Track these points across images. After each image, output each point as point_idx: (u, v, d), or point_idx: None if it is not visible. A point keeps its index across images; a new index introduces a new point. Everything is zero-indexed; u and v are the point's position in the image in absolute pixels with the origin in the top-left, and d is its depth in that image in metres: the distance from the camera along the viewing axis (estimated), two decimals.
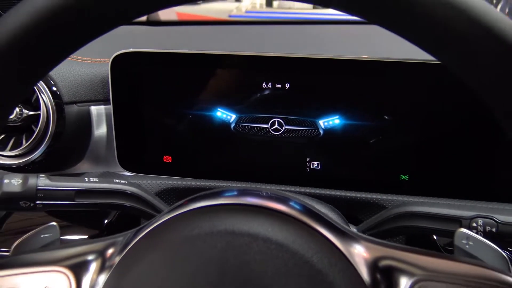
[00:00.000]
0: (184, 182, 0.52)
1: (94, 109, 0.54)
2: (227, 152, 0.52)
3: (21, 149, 0.49)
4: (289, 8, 1.49)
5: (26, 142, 0.49)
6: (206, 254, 0.25)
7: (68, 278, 0.28)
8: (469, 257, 0.31)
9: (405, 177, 0.50)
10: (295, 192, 0.51)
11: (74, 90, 0.52)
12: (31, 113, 0.49)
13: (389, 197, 0.49)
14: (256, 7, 1.75)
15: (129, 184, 0.44)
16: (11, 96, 0.24)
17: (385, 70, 0.46)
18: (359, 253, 0.27)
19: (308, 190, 0.51)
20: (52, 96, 0.49)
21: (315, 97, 0.49)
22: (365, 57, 0.46)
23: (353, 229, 0.46)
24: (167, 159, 0.53)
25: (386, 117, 0.48)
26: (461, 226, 0.35)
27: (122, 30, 0.46)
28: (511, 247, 0.47)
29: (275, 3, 1.82)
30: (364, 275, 0.26)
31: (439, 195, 0.48)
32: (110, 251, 0.29)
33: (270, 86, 0.49)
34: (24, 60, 0.22)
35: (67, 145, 0.52)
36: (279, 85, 0.49)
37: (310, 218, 0.28)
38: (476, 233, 0.35)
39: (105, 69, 0.52)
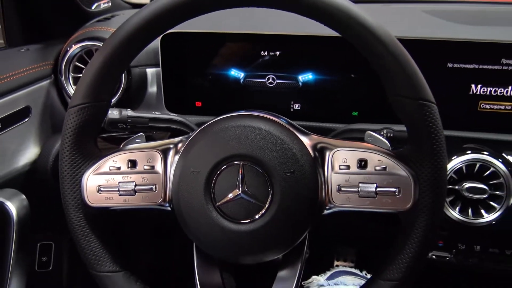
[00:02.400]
0: (208, 118, 0.79)
1: (149, 71, 0.80)
2: (238, 99, 0.78)
3: None
4: None
5: None
6: (232, 134, 0.52)
7: (160, 155, 0.54)
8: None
9: (356, 113, 0.76)
10: None
11: (136, 58, 0.78)
12: None
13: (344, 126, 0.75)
14: None
15: (177, 116, 0.71)
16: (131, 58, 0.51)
17: (337, 43, 0.71)
18: (307, 141, 0.53)
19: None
20: None
21: (296, 61, 0.75)
22: (326, 33, 0.72)
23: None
24: (198, 104, 0.80)
25: (342, 74, 0.74)
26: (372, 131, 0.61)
27: None
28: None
29: None
30: (311, 152, 0.53)
31: (373, 122, 0.73)
32: (180, 144, 0.55)
33: (266, 53, 0.75)
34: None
35: (132, 95, 0.79)
36: (272, 53, 0.75)
37: (285, 124, 0.54)
38: (381, 135, 0.62)
39: (157, 43, 0.78)
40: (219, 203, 0.51)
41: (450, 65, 0.71)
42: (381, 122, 0.66)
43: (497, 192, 0.65)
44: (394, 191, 0.50)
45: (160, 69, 0.78)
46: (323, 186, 0.52)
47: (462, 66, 0.70)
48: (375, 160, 0.51)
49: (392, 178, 0.50)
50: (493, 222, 0.65)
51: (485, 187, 0.65)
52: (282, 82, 0.76)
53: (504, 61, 0.69)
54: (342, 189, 0.52)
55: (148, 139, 0.58)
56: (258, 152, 0.51)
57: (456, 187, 0.66)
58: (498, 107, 0.71)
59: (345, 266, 1.21)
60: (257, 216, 0.50)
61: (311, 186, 0.51)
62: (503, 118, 0.71)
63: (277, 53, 0.75)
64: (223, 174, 0.51)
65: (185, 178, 0.52)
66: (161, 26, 0.50)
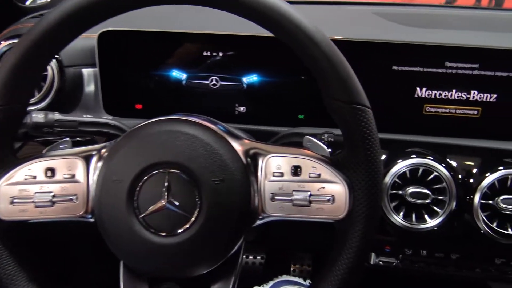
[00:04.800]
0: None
1: (85, 71, 0.75)
2: (180, 101, 0.75)
3: (35, 99, 0.70)
4: None
5: (38, 93, 0.70)
6: (158, 140, 0.48)
7: (82, 162, 0.50)
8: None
9: (302, 116, 0.74)
10: None
11: (70, 57, 0.73)
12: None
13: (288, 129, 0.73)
14: None
15: (113, 119, 0.67)
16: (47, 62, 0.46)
17: (282, 43, 0.68)
18: (238, 147, 0.50)
19: (236, 125, 0.74)
20: (56, 62, 0.71)
21: (240, 62, 0.72)
22: (271, 34, 0.69)
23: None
24: (139, 106, 0.76)
25: (287, 76, 0.72)
26: (313, 136, 0.58)
27: None
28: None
29: None
30: (242, 158, 0.50)
31: (320, 125, 0.71)
32: (104, 150, 0.52)
33: (209, 54, 0.72)
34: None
35: (66, 97, 0.74)
36: (215, 54, 0.72)
37: (216, 129, 0.51)
38: (321, 141, 0.59)
39: (93, 41, 0.73)
40: (143, 215, 0.47)
41: (395, 67, 0.69)
42: (328, 126, 0.64)
43: (440, 197, 0.64)
44: (328, 199, 0.48)
45: (97, 69, 0.73)
46: (255, 195, 0.49)
47: (407, 69, 0.69)
48: (309, 166, 0.49)
49: (326, 186, 0.48)
50: (435, 228, 0.64)
51: (428, 192, 0.63)
52: (226, 84, 0.73)
53: (448, 64, 0.68)
54: (276, 197, 0.49)
55: (77, 144, 0.54)
56: (185, 159, 0.47)
57: (400, 192, 0.65)
58: (443, 110, 0.71)
59: (301, 270, 1.19)
60: (183, 228, 0.47)
61: (242, 195, 0.48)
62: (448, 122, 0.71)
63: (221, 53, 0.72)
64: (148, 183, 0.47)
65: (106, 188, 0.48)
66: (82, 22, 0.47)
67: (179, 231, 0.47)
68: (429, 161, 0.65)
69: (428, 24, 0.85)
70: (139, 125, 0.51)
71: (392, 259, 0.73)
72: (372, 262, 0.73)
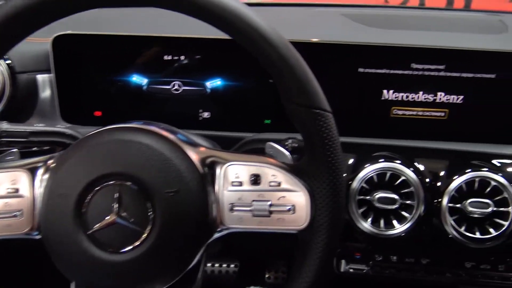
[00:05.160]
0: None
1: (40, 77, 0.72)
2: (141, 107, 0.72)
3: None
4: None
5: None
6: (108, 150, 0.45)
7: (27, 175, 0.47)
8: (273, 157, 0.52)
9: (269, 121, 0.72)
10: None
11: (23, 63, 0.69)
12: None
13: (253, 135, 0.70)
14: None
15: (67, 128, 0.63)
16: None
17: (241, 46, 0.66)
18: (194, 155, 0.47)
19: (200, 132, 0.71)
20: (7, 68, 0.67)
21: (203, 66, 0.69)
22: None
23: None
24: (98, 113, 0.72)
25: (252, 79, 0.69)
26: (275, 142, 0.56)
27: None
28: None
29: None
30: (199, 168, 0.47)
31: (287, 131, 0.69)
32: (50, 161, 0.48)
33: (170, 58, 0.69)
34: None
35: (20, 105, 0.70)
36: (177, 58, 0.69)
37: (171, 137, 0.48)
38: (285, 146, 0.57)
39: (47, 46, 0.69)
40: (91, 230, 0.44)
41: (361, 70, 0.68)
42: (295, 131, 0.61)
43: (408, 202, 0.63)
44: (289, 209, 0.45)
45: (52, 75, 0.69)
46: (213, 206, 0.47)
47: (373, 71, 0.68)
48: (269, 175, 0.46)
49: (287, 195, 0.46)
50: (403, 234, 0.62)
51: (396, 197, 0.62)
52: (189, 89, 0.70)
53: (414, 65, 0.67)
54: (235, 208, 0.47)
55: (27, 155, 0.51)
56: (137, 170, 0.45)
57: (368, 197, 0.63)
58: (410, 113, 0.69)
59: (276, 277, 1.17)
60: (136, 244, 0.44)
61: (199, 206, 0.46)
62: (415, 124, 0.70)
63: (183, 57, 0.69)
64: (97, 197, 0.44)
65: (52, 202, 0.45)
66: (24, 25, 0.43)
67: (131, 247, 0.44)
68: (396, 165, 0.63)
69: (396, 26, 0.84)
70: (88, 134, 0.48)
71: (362, 266, 0.71)
72: (342, 270, 0.71)
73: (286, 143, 0.60)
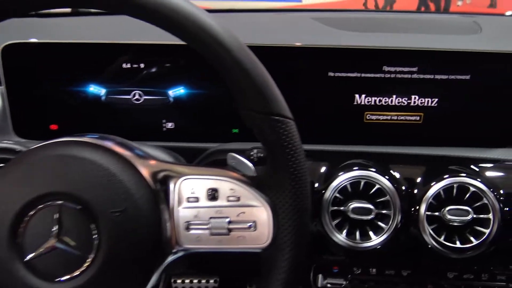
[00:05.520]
0: None
1: None
2: (100, 119, 0.67)
3: None
4: None
5: None
6: (47, 167, 0.41)
7: None
8: (234, 169, 0.48)
9: (236, 130, 0.68)
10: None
11: None
12: None
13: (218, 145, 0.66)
14: None
15: (16, 143, 0.58)
16: None
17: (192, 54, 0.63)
18: (145, 170, 0.43)
19: (165, 144, 0.67)
20: None
21: (164, 73, 0.65)
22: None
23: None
24: (54, 127, 0.68)
25: (218, 87, 0.65)
26: (239, 153, 0.52)
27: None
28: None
29: None
30: (150, 183, 0.42)
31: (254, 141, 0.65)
32: None
33: (129, 66, 0.65)
34: None
35: None
36: (136, 65, 0.65)
37: (119, 150, 0.44)
38: (250, 156, 0.54)
39: None
40: (28, 257, 0.39)
41: (331, 74, 0.65)
42: (251, 141, 0.58)
43: (384, 211, 0.59)
44: (250, 226, 0.41)
45: (2, 87, 0.65)
46: (167, 225, 0.43)
47: (344, 75, 0.65)
48: (227, 189, 0.42)
49: (247, 210, 0.42)
50: (379, 246, 0.59)
51: (371, 207, 0.58)
52: (150, 98, 0.66)
53: (386, 68, 0.64)
54: (191, 226, 0.42)
55: None
56: (79, 188, 0.40)
57: (342, 208, 0.59)
58: (384, 117, 0.66)
59: None
60: (79, 271, 0.39)
61: (150, 226, 0.41)
62: (390, 130, 0.66)
63: (142, 65, 0.65)
64: (35, 219, 0.40)
65: None
66: None
67: (74, 274, 0.39)
68: (371, 173, 0.60)
69: (366, 28, 0.81)
70: (28, 149, 0.44)
71: (340, 280, 0.67)
72: (319, 285, 0.67)
73: (251, 153, 0.56)
